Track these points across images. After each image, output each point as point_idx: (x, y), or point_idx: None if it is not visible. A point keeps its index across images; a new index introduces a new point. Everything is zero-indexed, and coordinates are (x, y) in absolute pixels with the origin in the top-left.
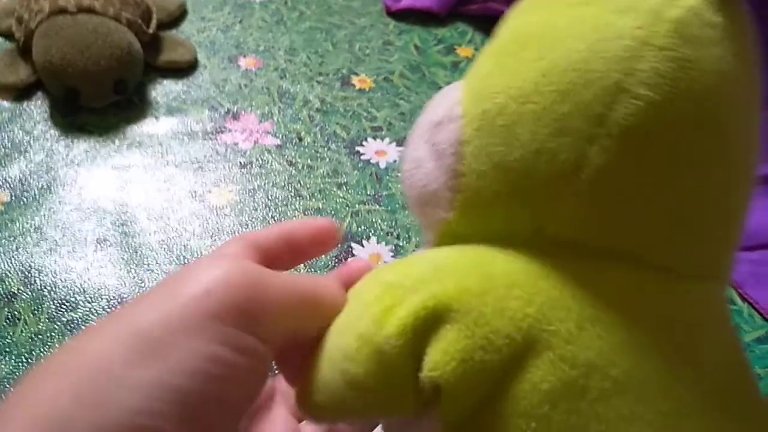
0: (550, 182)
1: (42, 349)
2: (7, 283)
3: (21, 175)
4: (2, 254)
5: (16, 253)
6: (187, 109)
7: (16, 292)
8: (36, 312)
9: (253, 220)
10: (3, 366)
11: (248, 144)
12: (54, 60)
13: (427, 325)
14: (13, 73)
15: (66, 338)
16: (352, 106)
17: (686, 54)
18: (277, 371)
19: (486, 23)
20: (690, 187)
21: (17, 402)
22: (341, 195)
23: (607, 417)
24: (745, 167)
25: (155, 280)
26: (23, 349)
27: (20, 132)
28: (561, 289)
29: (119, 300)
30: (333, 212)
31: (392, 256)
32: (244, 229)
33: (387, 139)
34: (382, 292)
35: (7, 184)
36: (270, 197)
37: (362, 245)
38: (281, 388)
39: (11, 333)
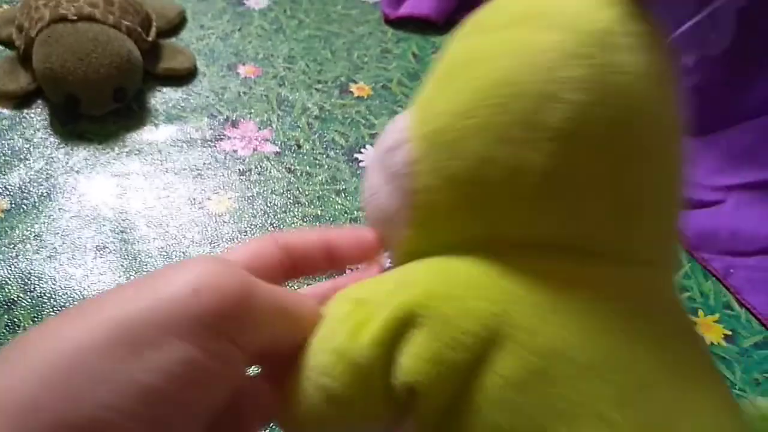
0: (498, 188)
1: None
2: (6, 290)
3: (21, 183)
4: (2, 261)
5: (15, 260)
6: (186, 117)
7: (15, 299)
8: (36, 319)
9: (252, 227)
10: None
11: (247, 151)
12: (54, 68)
13: (398, 333)
14: (13, 81)
15: None
16: (350, 113)
17: (605, 59)
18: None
19: None
20: (627, 179)
21: None
22: (340, 202)
23: (573, 399)
24: (673, 159)
25: None
26: None
27: (20, 139)
28: (520, 286)
29: None
30: (332, 219)
31: (390, 263)
32: (243, 236)
33: None
34: (352, 309)
35: (7, 192)
36: (269, 204)
37: None
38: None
39: (11, 340)
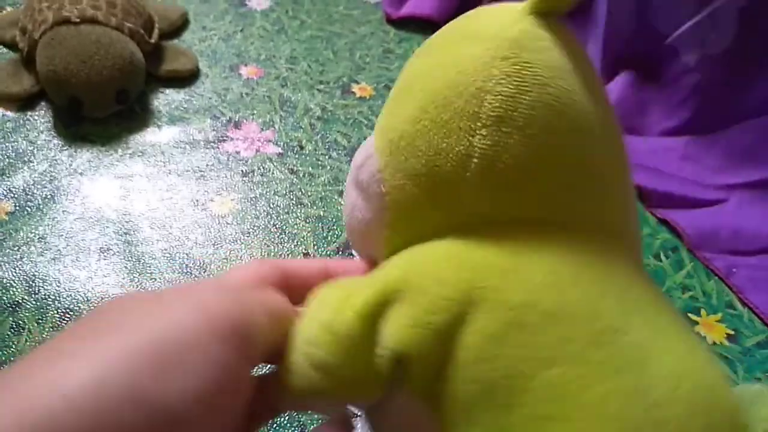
0: (451, 175)
1: None
2: (11, 292)
3: (25, 185)
4: (7, 263)
5: (20, 262)
6: (189, 118)
7: (20, 301)
8: (40, 321)
9: (255, 228)
10: None
11: (250, 152)
12: (57, 70)
13: (380, 307)
14: (17, 83)
15: None
16: (352, 114)
17: (525, 57)
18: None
19: None
20: (559, 153)
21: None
22: (342, 203)
23: (548, 343)
24: (604, 136)
25: (158, 288)
26: None
27: (24, 142)
28: (487, 253)
29: None
30: (334, 220)
31: None
32: (245, 238)
33: None
34: (340, 291)
35: (11, 194)
36: (271, 205)
37: None
38: None
39: (16, 342)
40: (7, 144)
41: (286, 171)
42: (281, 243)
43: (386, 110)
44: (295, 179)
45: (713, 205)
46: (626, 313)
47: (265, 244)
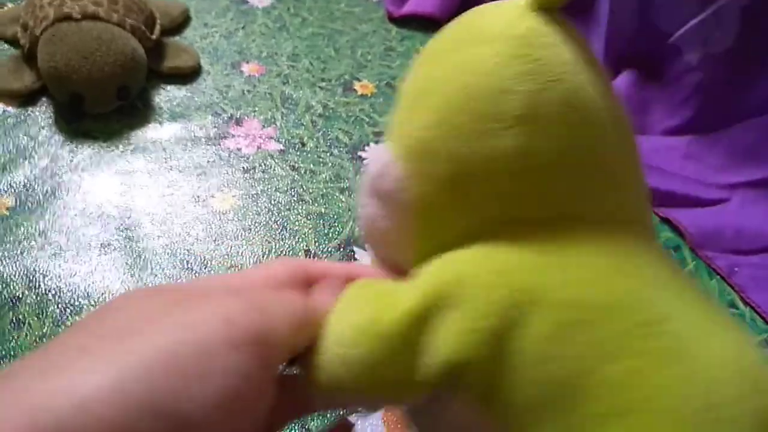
0: (480, 177)
1: None
2: (12, 287)
3: (26, 180)
4: (7, 259)
5: (20, 257)
6: (190, 115)
7: (20, 296)
8: (40, 316)
9: (256, 224)
10: None
11: (251, 149)
12: (58, 66)
13: (427, 312)
14: (18, 80)
15: None
16: (354, 111)
17: (536, 55)
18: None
19: None
20: (585, 147)
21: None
22: (343, 199)
23: (603, 339)
24: (622, 127)
25: (158, 284)
26: (28, 353)
27: (25, 137)
28: (526, 253)
29: None
30: (335, 217)
31: None
32: (246, 234)
33: None
34: (374, 292)
35: (12, 189)
36: (273, 202)
37: (365, 249)
38: None
39: (16, 337)
40: (8, 139)
41: (288, 168)
42: (282, 240)
43: (399, 118)
44: (296, 176)
45: (716, 204)
46: (667, 301)
47: (266, 240)
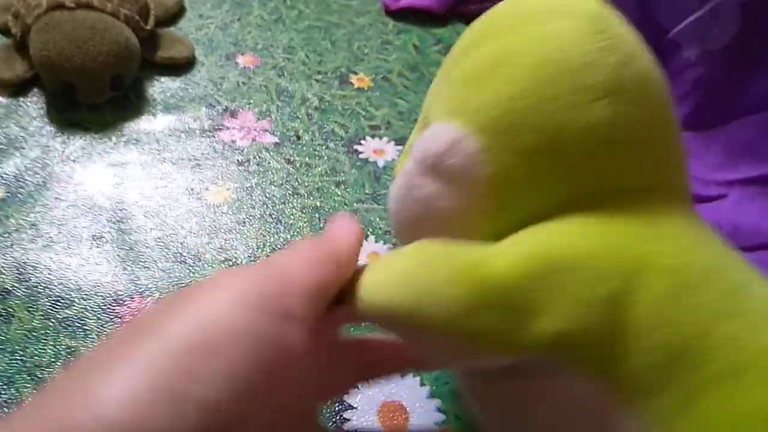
0: (570, 148)
1: (36, 347)
2: (1, 279)
3: (16, 171)
4: None
5: (10, 249)
6: (184, 107)
7: (10, 288)
8: (31, 309)
9: (251, 218)
10: None
11: (246, 142)
12: (51, 55)
13: (539, 274)
14: (10, 69)
15: (61, 336)
16: (350, 104)
17: (613, 32)
18: None
19: None
20: (662, 120)
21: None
22: (339, 193)
23: (712, 300)
24: (671, 103)
25: (151, 277)
26: (17, 347)
27: (16, 128)
28: (622, 223)
29: (115, 297)
30: (331, 210)
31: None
32: (241, 227)
33: (385, 138)
34: (462, 246)
35: (3, 180)
36: (268, 195)
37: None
38: None
39: (5, 330)
40: None
41: (283, 161)
42: (277, 233)
43: (460, 95)
44: (291, 169)
45: (712, 200)
46: (736, 266)
47: (261, 234)
